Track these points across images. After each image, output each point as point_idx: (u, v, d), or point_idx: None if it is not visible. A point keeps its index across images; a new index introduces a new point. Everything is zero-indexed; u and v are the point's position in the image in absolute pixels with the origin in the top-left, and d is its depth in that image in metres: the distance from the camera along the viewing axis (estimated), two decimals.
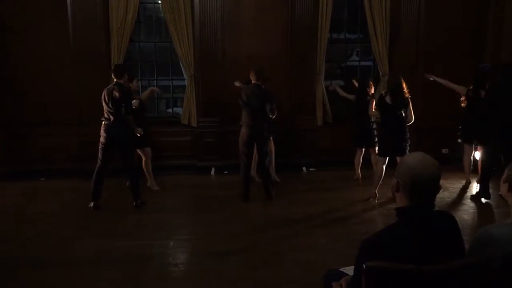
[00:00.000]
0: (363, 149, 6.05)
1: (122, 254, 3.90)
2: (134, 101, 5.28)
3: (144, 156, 5.74)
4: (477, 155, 5.92)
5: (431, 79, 6.01)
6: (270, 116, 5.31)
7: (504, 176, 1.77)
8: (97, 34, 6.52)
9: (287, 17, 6.81)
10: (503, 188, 1.77)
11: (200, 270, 3.64)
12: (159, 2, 6.83)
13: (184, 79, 6.97)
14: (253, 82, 5.26)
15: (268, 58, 6.53)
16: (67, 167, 6.54)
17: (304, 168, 6.94)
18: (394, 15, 6.98)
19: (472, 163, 5.99)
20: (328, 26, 6.88)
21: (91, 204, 5.05)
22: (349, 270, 2.01)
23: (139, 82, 6.03)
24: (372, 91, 5.94)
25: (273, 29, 6.80)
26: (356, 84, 6.13)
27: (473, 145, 5.89)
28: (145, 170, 5.78)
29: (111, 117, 4.94)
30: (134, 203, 5.12)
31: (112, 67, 5.30)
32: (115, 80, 5.03)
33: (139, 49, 7.25)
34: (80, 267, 3.68)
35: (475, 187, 5.78)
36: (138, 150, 5.68)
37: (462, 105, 5.83)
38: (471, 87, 5.69)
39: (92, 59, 6.51)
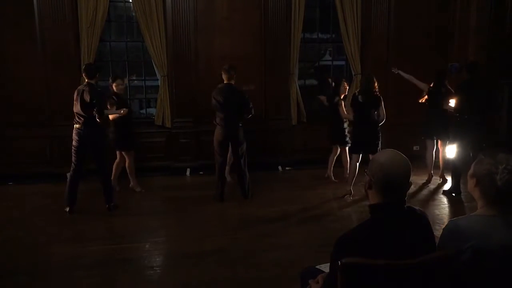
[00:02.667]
0: (338, 148, 6.14)
1: (96, 259, 3.82)
2: (122, 110, 5.34)
3: (128, 158, 5.66)
4: (447, 151, 6.10)
5: (396, 72, 6.25)
6: (246, 115, 5.30)
7: (471, 171, 1.80)
8: (66, 34, 6.34)
9: (260, 17, 6.83)
10: (470, 182, 1.80)
11: (177, 272, 3.61)
12: (130, 1, 6.71)
13: (157, 79, 6.88)
14: (225, 82, 5.23)
15: (242, 59, 6.53)
16: (36, 171, 6.34)
17: (279, 168, 6.97)
18: (365, 15, 7.11)
19: (434, 158, 6.15)
20: (301, 26, 6.94)
21: (67, 209, 4.91)
22: (325, 267, 2.03)
23: (124, 81, 5.81)
24: (346, 92, 6.04)
25: (246, 30, 6.80)
26: (332, 84, 6.21)
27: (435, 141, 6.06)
28: (128, 171, 5.71)
29: (82, 120, 4.79)
30: (107, 205, 5.02)
31: (83, 67, 5.07)
32: (86, 80, 4.87)
33: (110, 49, 7.10)
34: (53, 273, 3.58)
35: (446, 183, 5.98)
36: (122, 152, 5.64)
37: (421, 101, 6.04)
38: (431, 85, 5.88)
39: (61, 59, 6.33)
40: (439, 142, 6.06)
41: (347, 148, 5.92)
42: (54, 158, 6.47)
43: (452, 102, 5.69)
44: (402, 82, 6.37)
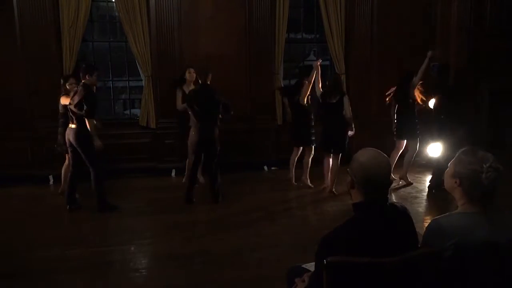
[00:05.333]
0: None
1: (80, 262, 3.76)
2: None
3: None
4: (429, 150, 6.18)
5: None
6: (226, 115, 5.23)
7: (451, 171, 1.81)
8: (47, 34, 6.23)
9: (245, 17, 6.83)
10: (451, 182, 1.80)
11: (163, 274, 3.58)
12: (113, 0, 6.63)
13: (141, 80, 6.82)
14: (201, 83, 5.24)
15: (227, 58, 6.52)
16: (18, 173, 6.19)
17: (265, 167, 6.98)
18: (349, 15, 7.18)
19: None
20: (285, 26, 6.96)
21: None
22: (311, 266, 2.04)
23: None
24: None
25: (230, 29, 6.78)
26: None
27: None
28: None
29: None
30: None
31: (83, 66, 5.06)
32: (83, 81, 4.86)
33: (92, 49, 7.01)
34: (36, 277, 3.51)
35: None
36: None
37: (388, 101, 5.95)
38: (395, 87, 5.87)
39: (42, 60, 6.21)
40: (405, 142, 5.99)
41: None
42: (36, 160, 6.35)
43: (431, 103, 5.79)
44: (384, 81, 6.44)
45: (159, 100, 6.73)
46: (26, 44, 6.21)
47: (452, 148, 5.43)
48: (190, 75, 5.76)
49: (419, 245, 1.79)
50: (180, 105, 5.74)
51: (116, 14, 6.71)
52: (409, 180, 6.04)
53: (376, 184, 1.71)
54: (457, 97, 5.52)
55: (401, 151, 5.99)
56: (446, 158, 5.44)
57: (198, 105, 5.10)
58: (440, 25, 7.42)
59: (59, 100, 5.32)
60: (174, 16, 6.58)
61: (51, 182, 6.26)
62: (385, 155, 1.76)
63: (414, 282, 1.70)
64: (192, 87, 5.70)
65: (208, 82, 5.20)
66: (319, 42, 7.67)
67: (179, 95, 5.80)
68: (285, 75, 7.40)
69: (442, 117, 5.53)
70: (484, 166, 1.70)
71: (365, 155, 1.76)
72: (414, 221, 1.82)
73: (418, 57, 7.13)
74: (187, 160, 5.76)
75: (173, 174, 6.68)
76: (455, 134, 5.41)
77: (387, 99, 5.96)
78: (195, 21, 6.69)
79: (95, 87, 5.15)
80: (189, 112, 5.20)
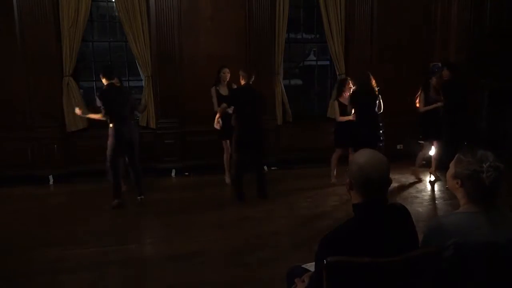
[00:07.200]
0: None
1: (81, 262, 3.76)
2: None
3: None
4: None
5: None
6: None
7: (452, 171, 1.80)
8: (47, 33, 6.21)
9: (245, 17, 6.83)
10: (453, 183, 1.80)
11: (162, 274, 3.58)
12: (113, 0, 6.63)
13: (141, 80, 6.82)
14: (245, 83, 5.34)
15: (226, 58, 6.50)
16: (16, 174, 6.19)
17: (265, 167, 6.97)
18: (349, 15, 7.17)
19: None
20: (285, 26, 6.96)
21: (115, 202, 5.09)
22: (311, 266, 2.04)
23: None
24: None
25: (230, 29, 6.78)
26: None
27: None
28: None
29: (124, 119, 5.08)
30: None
31: (106, 68, 5.25)
32: (108, 81, 5.05)
33: (92, 49, 7.01)
34: (35, 278, 3.51)
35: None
36: None
37: (417, 105, 6.00)
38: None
39: (42, 60, 6.20)
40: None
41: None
42: (36, 160, 6.34)
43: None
44: (384, 81, 6.44)
45: (159, 100, 6.73)
46: (26, 44, 6.20)
47: (451, 145, 5.48)
48: (225, 75, 5.81)
49: (419, 245, 1.79)
50: (217, 107, 5.71)
51: (116, 14, 6.70)
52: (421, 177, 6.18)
53: (374, 186, 1.71)
54: (455, 96, 5.54)
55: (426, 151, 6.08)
56: (446, 156, 5.51)
57: (245, 104, 5.23)
58: (440, 25, 7.42)
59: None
60: (174, 16, 6.57)
61: (51, 182, 6.26)
62: (383, 156, 1.76)
63: (414, 282, 1.70)
64: (225, 87, 5.84)
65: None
66: (319, 42, 7.67)
67: (214, 95, 5.84)
68: (285, 75, 7.40)
69: (440, 115, 5.54)
70: (484, 165, 1.69)
71: (362, 157, 1.76)
72: (414, 221, 1.82)
73: (418, 57, 7.19)
74: (225, 157, 6.00)
75: (173, 174, 6.68)
76: (454, 132, 5.44)
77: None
78: (195, 21, 6.69)
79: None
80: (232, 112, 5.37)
